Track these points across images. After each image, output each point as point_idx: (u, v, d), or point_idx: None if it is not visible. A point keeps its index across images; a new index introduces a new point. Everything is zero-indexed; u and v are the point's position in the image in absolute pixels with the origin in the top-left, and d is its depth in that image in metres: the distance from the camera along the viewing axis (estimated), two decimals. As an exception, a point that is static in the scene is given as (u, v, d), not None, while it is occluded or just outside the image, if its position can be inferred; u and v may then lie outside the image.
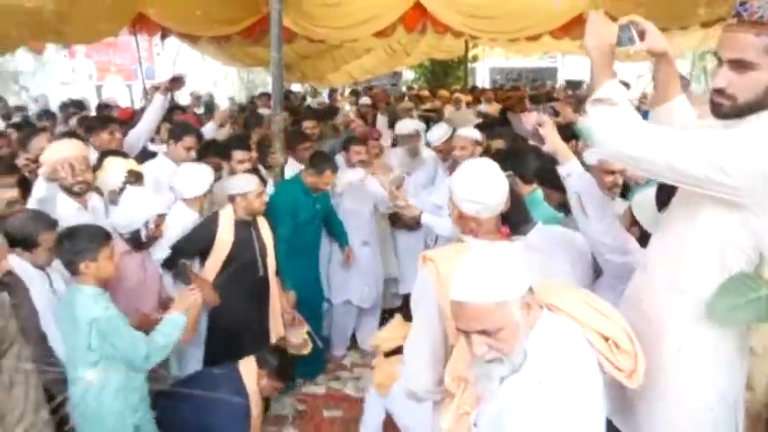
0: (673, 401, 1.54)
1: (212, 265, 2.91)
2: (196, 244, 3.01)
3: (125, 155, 3.37)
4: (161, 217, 2.75)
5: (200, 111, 8.18)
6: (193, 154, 3.54)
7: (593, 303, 1.41)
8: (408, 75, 17.66)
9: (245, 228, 3.14)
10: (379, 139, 4.79)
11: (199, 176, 3.12)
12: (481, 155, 4.13)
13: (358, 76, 12.43)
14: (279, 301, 3.34)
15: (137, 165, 3.12)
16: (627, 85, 7.36)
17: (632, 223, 2.28)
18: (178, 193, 3.11)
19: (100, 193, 2.95)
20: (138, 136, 3.95)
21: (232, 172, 3.63)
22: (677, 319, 1.51)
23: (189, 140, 3.47)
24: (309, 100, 10.26)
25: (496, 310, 1.27)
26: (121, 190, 2.90)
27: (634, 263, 1.78)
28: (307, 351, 3.45)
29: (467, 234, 1.75)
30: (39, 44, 6.91)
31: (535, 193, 2.72)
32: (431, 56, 12.89)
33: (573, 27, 5.90)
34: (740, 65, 1.37)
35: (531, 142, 2.55)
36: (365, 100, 8.45)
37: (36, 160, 3.32)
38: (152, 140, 4.22)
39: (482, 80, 19.13)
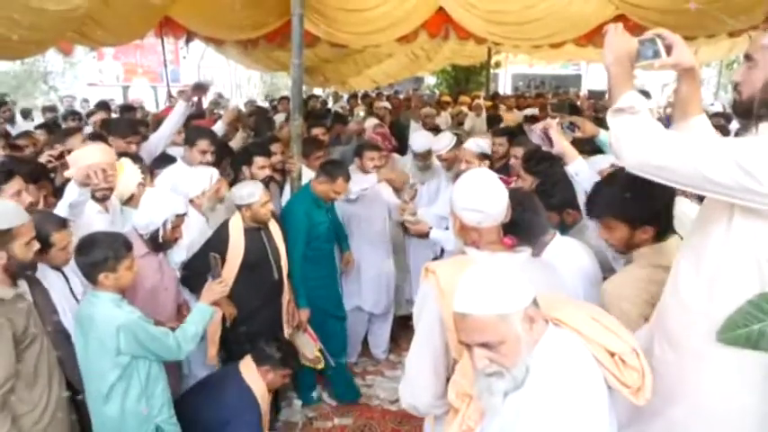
0: (699, 420, 1.48)
1: (228, 273, 2.92)
2: (211, 251, 3.01)
3: (140, 160, 3.40)
4: (180, 217, 2.76)
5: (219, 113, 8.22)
6: (209, 157, 3.56)
7: (600, 318, 1.38)
8: (430, 80, 17.65)
9: (255, 233, 3.14)
10: (386, 145, 4.75)
11: (197, 177, 3.13)
12: (503, 162, 4.11)
13: (380, 81, 12.47)
14: (291, 303, 3.35)
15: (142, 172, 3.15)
16: (647, 93, 7.24)
17: None
18: (184, 194, 3.14)
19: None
20: (157, 142, 4.00)
21: (253, 177, 3.64)
22: (701, 341, 1.43)
23: (203, 144, 3.49)
24: (331, 104, 10.29)
25: (498, 323, 1.26)
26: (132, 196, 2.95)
27: None
28: (320, 366, 3.46)
29: (469, 245, 1.74)
30: (67, 46, 7.05)
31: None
32: (453, 62, 12.85)
33: (597, 35, 5.83)
34: (748, 59, 1.41)
35: (544, 148, 2.56)
36: (384, 104, 8.45)
37: (60, 156, 3.39)
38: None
39: (504, 87, 19.03)
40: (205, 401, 2.78)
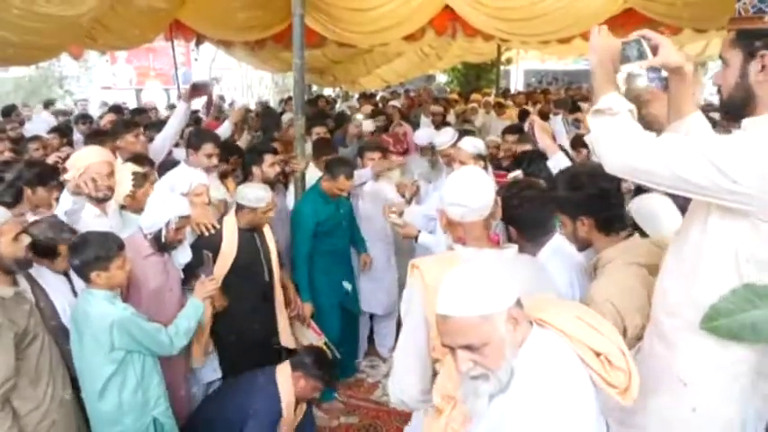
0: (687, 419, 1.48)
1: (219, 271, 2.94)
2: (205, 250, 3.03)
3: (150, 161, 3.43)
4: (184, 219, 2.78)
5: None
6: (215, 160, 3.57)
7: (586, 318, 1.36)
8: (441, 78, 17.61)
9: (249, 234, 3.15)
10: (397, 147, 4.73)
11: (177, 181, 3.13)
12: (511, 159, 4.07)
13: (391, 80, 12.47)
14: (284, 309, 3.33)
15: (139, 167, 3.16)
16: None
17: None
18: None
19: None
20: (162, 142, 4.05)
21: (264, 176, 3.65)
22: (693, 337, 1.43)
23: (208, 147, 3.49)
24: (340, 103, 10.32)
25: (481, 324, 1.24)
26: (133, 194, 2.97)
27: None
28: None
29: (456, 242, 1.75)
30: (77, 50, 7.15)
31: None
32: (463, 59, 12.83)
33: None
34: (723, 60, 1.43)
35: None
36: (394, 103, 8.45)
37: (67, 158, 3.43)
38: (176, 145, 4.31)
39: (516, 83, 18.91)
40: (234, 396, 2.82)
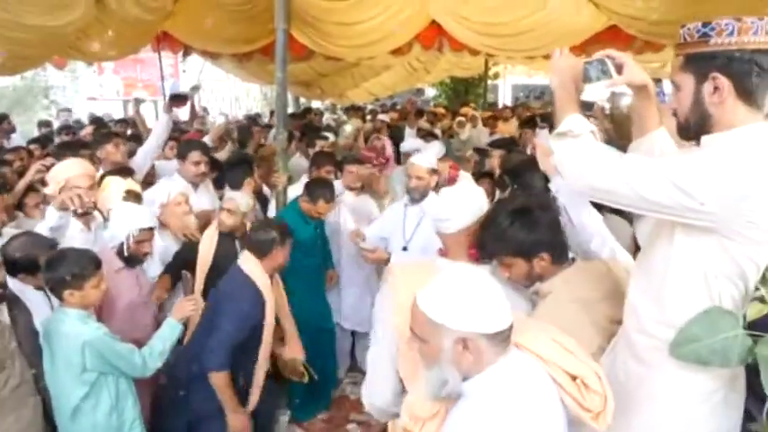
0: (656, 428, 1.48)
1: (198, 279, 2.91)
2: (184, 260, 3.01)
3: (130, 170, 3.40)
4: (146, 232, 2.70)
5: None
6: (203, 168, 3.56)
7: (561, 341, 1.35)
8: (430, 92, 17.71)
9: (229, 241, 3.13)
10: (380, 160, 4.70)
11: (157, 192, 3.14)
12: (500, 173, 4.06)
13: (378, 93, 12.50)
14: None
15: (135, 184, 3.13)
16: (591, 105, 7.18)
17: (637, 249, 2.20)
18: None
19: (99, 211, 2.97)
20: (144, 155, 4.02)
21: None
22: (668, 355, 1.42)
23: (195, 155, 3.50)
24: (326, 116, 10.32)
25: (428, 324, 1.27)
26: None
27: None
28: (305, 380, 3.41)
29: (437, 253, 1.78)
30: (60, 60, 7.09)
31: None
32: (451, 73, 12.89)
33: (591, 45, 5.81)
34: (674, 85, 1.45)
35: None
36: (383, 117, 8.48)
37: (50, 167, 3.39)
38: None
39: (504, 97, 19.07)
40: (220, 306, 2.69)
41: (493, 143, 4.93)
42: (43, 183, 3.34)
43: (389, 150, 5.47)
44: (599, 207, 1.93)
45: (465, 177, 3.91)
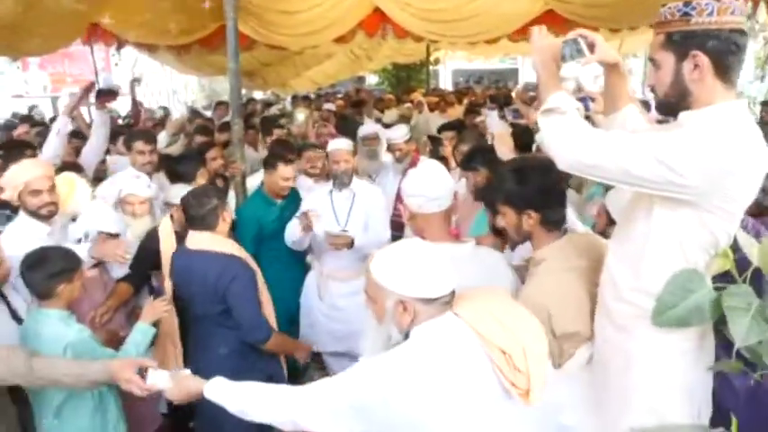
0: (640, 404, 1.56)
1: (166, 278, 2.85)
2: (144, 262, 2.89)
3: (79, 167, 3.30)
4: (105, 236, 2.64)
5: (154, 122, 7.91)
6: (149, 157, 3.48)
7: (500, 315, 1.38)
8: (372, 79, 17.71)
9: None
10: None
11: (115, 184, 3.06)
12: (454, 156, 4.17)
13: (321, 82, 12.41)
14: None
15: (85, 182, 3.03)
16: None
17: (609, 222, 2.25)
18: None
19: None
20: (91, 152, 3.94)
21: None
22: (644, 321, 1.50)
23: (138, 145, 3.43)
24: (274, 108, 10.17)
25: (375, 285, 1.41)
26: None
27: None
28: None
29: (415, 235, 1.81)
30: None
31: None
32: (393, 60, 12.96)
33: (529, 30, 6.03)
34: (653, 63, 1.50)
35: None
36: (329, 106, 8.44)
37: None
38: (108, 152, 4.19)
39: (444, 83, 19.33)
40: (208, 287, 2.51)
41: (442, 127, 5.03)
42: None
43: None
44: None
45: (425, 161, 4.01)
